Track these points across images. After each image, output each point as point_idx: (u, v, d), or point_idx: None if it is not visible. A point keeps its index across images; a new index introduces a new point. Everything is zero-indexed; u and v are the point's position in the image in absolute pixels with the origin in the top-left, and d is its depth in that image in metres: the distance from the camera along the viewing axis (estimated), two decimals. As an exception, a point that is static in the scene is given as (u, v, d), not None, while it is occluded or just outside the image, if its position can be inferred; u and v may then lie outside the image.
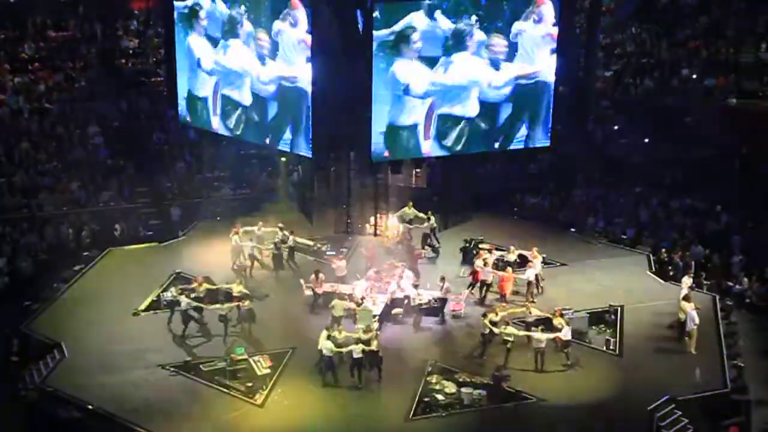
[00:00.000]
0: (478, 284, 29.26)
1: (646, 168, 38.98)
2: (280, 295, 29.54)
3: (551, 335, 25.71)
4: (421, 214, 32.37)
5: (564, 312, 26.80)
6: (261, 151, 36.11)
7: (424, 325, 27.81)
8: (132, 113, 39.30)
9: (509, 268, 29.42)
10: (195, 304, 26.88)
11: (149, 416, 23.39)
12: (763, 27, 42.18)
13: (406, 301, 27.93)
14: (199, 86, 32.16)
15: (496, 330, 25.80)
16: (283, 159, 35.78)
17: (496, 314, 26.28)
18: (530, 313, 27.03)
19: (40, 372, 25.43)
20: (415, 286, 28.33)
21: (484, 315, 26.44)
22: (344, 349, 24.69)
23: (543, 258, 30.23)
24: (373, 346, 24.78)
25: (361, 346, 24.63)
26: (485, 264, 29.24)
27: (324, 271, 29.19)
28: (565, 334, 25.66)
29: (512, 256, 30.48)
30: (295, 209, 35.61)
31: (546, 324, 26.43)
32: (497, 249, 31.55)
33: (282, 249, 31.06)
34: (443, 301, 28.07)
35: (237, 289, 27.57)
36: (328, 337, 24.73)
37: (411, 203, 32.66)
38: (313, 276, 28.54)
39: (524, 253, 30.43)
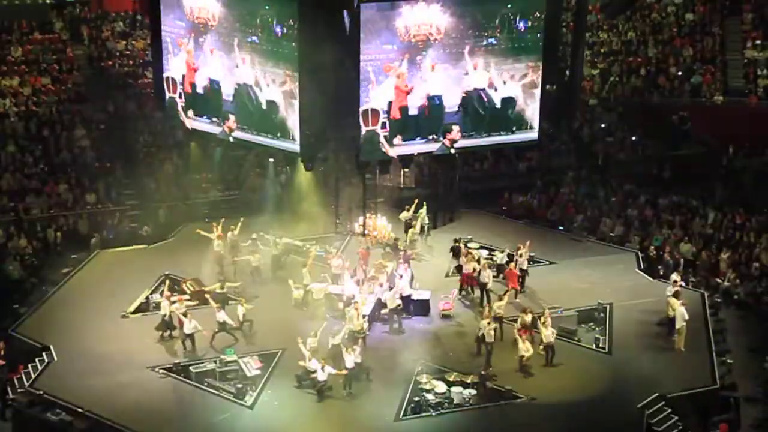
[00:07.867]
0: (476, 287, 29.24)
1: (634, 166, 39.09)
2: (269, 295, 29.49)
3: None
4: (418, 215, 32.47)
5: (552, 310, 26.92)
6: (249, 152, 36.00)
7: (413, 325, 27.83)
8: (119, 115, 39.14)
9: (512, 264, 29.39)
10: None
11: (138, 419, 23.33)
12: (750, 24, 42.27)
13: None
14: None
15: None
16: (272, 159, 35.73)
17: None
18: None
19: (29, 375, 25.33)
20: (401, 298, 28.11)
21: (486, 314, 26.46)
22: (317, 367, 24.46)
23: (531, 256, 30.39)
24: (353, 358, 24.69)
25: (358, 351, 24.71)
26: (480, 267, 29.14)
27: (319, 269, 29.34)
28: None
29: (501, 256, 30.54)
30: (283, 210, 35.49)
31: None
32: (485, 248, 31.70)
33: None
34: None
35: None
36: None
37: (407, 207, 32.82)
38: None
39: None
